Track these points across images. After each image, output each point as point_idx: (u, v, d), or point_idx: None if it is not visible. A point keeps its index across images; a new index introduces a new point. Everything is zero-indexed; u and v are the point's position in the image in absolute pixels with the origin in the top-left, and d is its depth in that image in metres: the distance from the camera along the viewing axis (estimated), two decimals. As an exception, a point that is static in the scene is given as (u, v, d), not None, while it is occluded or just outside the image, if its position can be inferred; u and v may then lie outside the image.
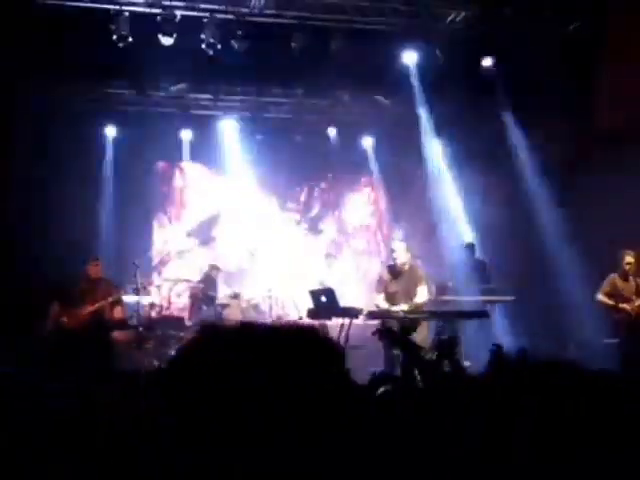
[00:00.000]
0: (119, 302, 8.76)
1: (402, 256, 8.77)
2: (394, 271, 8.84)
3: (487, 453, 1.89)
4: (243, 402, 1.18)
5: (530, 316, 10.52)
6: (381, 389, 4.43)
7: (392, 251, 8.93)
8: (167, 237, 13.56)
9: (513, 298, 10.47)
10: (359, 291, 12.59)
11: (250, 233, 13.55)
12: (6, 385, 3.11)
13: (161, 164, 13.58)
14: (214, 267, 11.74)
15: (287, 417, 1.18)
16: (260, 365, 1.21)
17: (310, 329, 1.34)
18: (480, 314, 9.52)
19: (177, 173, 13.79)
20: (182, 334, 10.24)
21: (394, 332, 6.89)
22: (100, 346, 8.24)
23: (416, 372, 3.33)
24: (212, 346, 1.27)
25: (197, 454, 1.17)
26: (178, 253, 13.49)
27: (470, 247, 11.11)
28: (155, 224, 13.48)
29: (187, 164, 13.63)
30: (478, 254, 11.10)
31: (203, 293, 11.15)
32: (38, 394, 2.89)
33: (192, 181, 13.82)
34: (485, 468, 1.83)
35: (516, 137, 11.56)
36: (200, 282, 11.38)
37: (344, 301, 8.78)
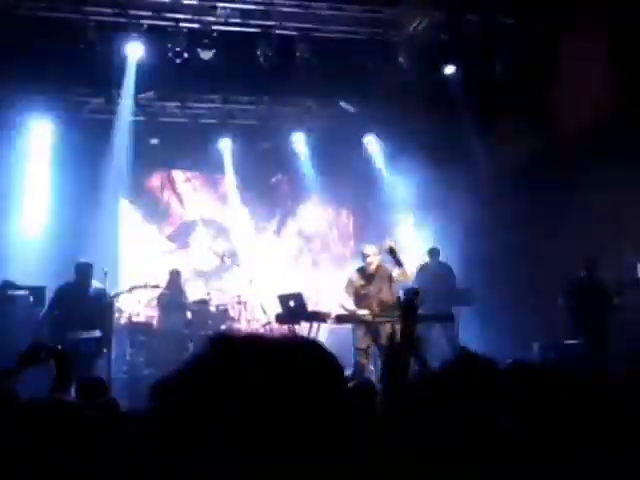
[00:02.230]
0: None
1: (376, 259, 8.79)
2: (365, 274, 8.84)
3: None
4: (252, 413, 1.19)
5: (495, 318, 10.71)
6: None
7: (366, 256, 8.80)
8: (147, 241, 13.48)
9: (473, 305, 10.70)
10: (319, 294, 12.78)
11: (222, 239, 13.66)
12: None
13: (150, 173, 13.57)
14: (174, 271, 11.43)
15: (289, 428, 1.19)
16: (268, 377, 1.23)
17: (313, 345, 1.36)
18: (445, 317, 9.72)
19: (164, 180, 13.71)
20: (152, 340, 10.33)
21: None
22: None
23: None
24: (223, 356, 1.28)
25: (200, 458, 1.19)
26: (160, 255, 13.38)
27: (434, 251, 11.14)
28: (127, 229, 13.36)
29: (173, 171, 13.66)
30: (442, 258, 11.19)
31: (171, 299, 11.09)
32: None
33: (174, 188, 13.82)
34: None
35: (475, 143, 11.63)
36: (167, 288, 11.20)
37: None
